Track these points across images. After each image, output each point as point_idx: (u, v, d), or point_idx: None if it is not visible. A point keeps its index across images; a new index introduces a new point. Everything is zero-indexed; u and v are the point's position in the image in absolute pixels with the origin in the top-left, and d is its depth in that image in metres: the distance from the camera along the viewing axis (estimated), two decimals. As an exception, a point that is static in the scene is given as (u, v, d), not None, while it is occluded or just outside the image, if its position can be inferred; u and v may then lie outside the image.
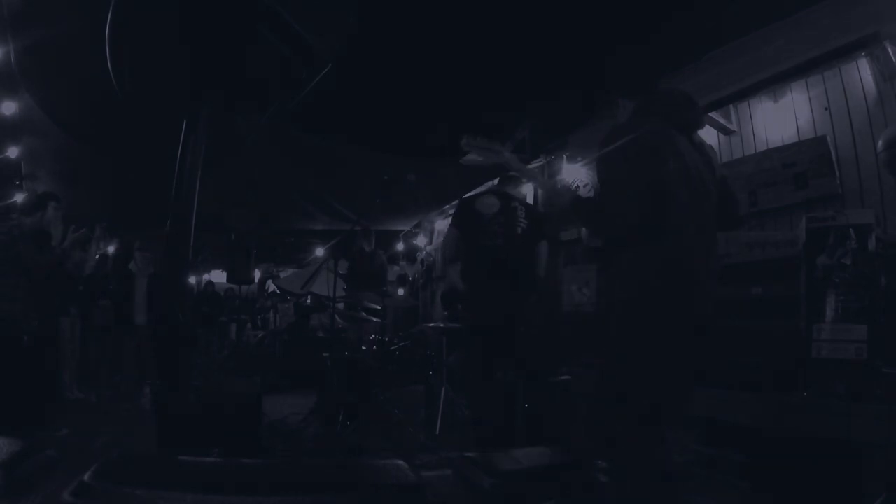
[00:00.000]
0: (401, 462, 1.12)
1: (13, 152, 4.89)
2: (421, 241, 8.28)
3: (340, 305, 4.56)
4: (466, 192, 5.39)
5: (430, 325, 4.48)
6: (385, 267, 5.24)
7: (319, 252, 7.75)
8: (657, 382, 1.63)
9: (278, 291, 8.94)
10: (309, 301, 7.10)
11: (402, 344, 4.62)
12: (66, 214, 3.81)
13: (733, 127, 3.86)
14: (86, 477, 0.98)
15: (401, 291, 7.90)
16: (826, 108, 3.31)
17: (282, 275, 9.88)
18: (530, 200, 5.04)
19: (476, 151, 1.96)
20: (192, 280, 7.75)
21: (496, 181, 3.67)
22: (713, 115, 3.78)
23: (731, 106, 3.83)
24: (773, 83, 3.48)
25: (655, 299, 1.64)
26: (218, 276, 9.02)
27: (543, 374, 3.30)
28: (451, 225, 3.34)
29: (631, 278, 1.69)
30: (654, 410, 1.63)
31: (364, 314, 4.36)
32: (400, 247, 8.33)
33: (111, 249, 5.80)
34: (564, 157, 5.09)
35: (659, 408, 1.64)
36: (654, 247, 1.65)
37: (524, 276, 3.16)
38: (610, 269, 1.84)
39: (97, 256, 4.74)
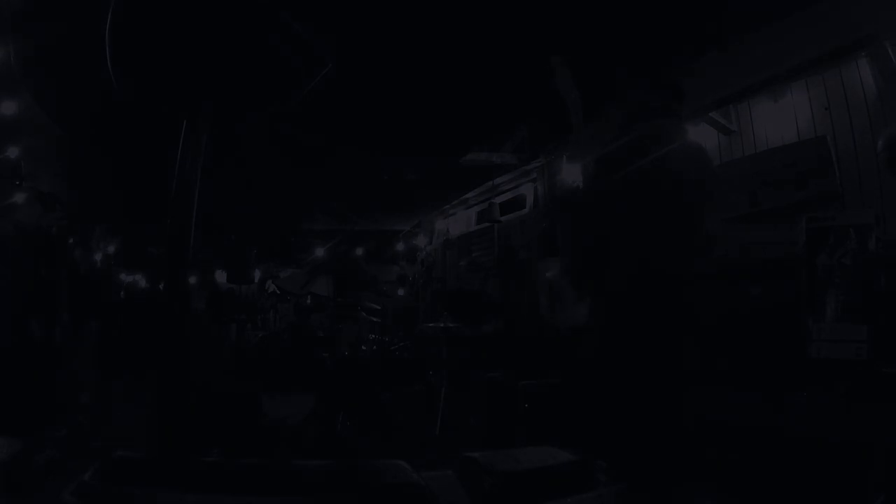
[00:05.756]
0: (401, 462, 1.12)
1: (13, 152, 4.88)
2: (421, 241, 8.27)
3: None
4: (465, 192, 5.38)
5: (430, 325, 4.48)
6: (365, 273, 5.24)
7: (319, 252, 7.75)
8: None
9: (278, 291, 8.93)
10: (309, 301, 7.10)
11: (402, 344, 4.62)
12: (68, 214, 3.80)
13: (733, 127, 3.86)
14: (86, 477, 0.97)
15: (401, 291, 7.89)
16: (826, 108, 3.31)
17: (282, 275, 9.88)
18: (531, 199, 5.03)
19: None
20: (193, 280, 7.74)
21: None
22: (713, 115, 3.78)
23: (731, 106, 3.82)
24: (773, 83, 3.48)
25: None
26: (218, 276, 9.01)
27: (542, 374, 3.30)
28: None
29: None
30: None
31: (364, 314, 4.36)
32: (400, 247, 8.32)
33: (111, 249, 5.78)
34: (564, 157, 5.09)
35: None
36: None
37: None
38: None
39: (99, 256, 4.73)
